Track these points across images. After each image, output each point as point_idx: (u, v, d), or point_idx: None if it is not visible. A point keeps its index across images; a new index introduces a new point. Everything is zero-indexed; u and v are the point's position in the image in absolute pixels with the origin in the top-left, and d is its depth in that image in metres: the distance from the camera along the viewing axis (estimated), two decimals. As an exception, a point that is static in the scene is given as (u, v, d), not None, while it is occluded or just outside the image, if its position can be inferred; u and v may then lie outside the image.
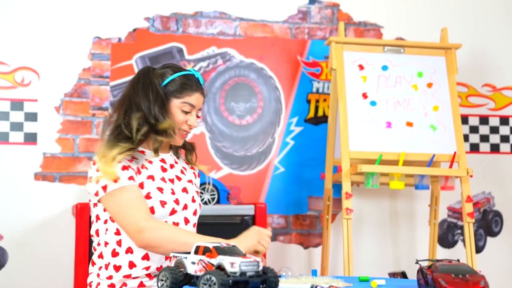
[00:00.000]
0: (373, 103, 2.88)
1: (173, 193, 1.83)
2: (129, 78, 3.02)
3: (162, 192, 1.81)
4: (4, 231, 2.86)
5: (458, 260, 1.45)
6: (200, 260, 1.34)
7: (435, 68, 2.95)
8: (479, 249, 3.27)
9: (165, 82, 1.85)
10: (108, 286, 1.80)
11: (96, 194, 1.78)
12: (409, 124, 2.87)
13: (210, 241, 1.41)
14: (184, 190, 1.87)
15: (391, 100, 2.89)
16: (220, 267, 1.30)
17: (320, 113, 3.20)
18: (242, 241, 1.70)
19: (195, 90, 1.86)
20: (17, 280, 2.85)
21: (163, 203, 1.80)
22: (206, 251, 1.35)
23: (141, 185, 1.79)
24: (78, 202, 2.64)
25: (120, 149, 1.76)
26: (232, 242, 1.56)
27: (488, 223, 3.31)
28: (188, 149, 1.98)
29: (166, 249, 1.69)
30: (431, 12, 3.32)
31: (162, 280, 1.38)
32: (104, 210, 1.82)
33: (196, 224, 1.93)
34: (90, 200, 1.86)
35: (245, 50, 3.15)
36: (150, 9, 3.08)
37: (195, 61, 3.10)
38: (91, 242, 2.54)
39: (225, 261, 1.29)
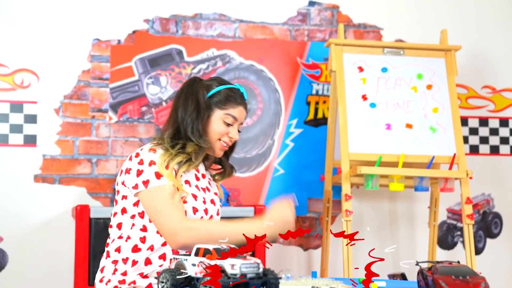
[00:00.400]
0: (372, 105, 2.88)
1: (204, 202, 1.86)
2: (129, 80, 3.04)
3: (196, 199, 1.83)
4: (4, 233, 2.85)
5: (459, 262, 1.45)
6: (201, 262, 1.34)
7: (434, 70, 2.95)
8: (478, 251, 3.27)
9: (210, 93, 1.89)
10: (119, 282, 1.80)
11: (135, 187, 1.78)
12: (409, 126, 2.87)
13: (241, 228, 1.66)
14: (212, 201, 1.91)
15: (391, 102, 2.90)
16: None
17: (319, 115, 3.20)
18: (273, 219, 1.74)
19: (239, 103, 1.90)
20: (17, 282, 2.84)
21: (195, 210, 1.82)
22: (206, 253, 1.35)
23: (178, 189, 1.81)
24: (78, 204, 2.64)
25: (181, 158, 1.80)
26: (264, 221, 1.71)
27: (487, 225, 3.31)
28: (225, 170, 1.98)
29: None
30: (430, 14, 3.33)
31: (162, 282, 1.37)
32: (134, 204, 1.82)
33: None
34: (118, 192, 1.85)
35: (244, 52, 3.15)
36: (149, 11, 3.08)
37: (195, 63, 3.10)
38: (90, 243, 2.55)
39: (225, 263, 1.29)
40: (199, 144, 1.84)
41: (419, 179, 2.80)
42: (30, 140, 2.91)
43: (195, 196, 1.84)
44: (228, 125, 1.89)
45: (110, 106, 3.00)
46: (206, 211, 1.86)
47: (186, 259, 1.38)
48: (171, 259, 1.44)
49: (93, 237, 2.56)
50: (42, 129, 2.92)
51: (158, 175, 1.76)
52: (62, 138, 2.95)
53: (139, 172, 1.77)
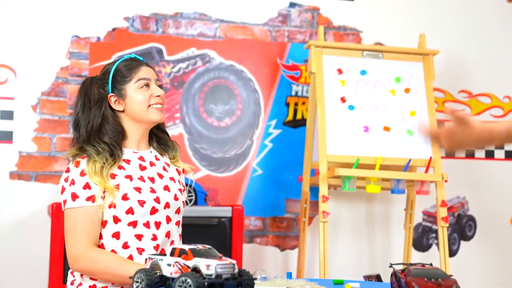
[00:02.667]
0: (351, 107, 2.90)
1: (152, 191, 1.82)
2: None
3: (140, 192, 1.80)
4: (-23, 230, 2.82)
5: (431, 264, 1.47)
6: (176, 262, 1.34)
7: (412, 74, 2.99)
8: (453, 253, 3.31)
9: (109, 82, 1.87)
10: (89, 286, 1.80)
11: (62, 204, 1.82)
12: (386, 128, 2.90)
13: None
14: (166, 188, 1.86)
15: (369, 105, 2.92)
16: (195, 269, 1.30)
17: (298, 116, 3.22)
18: None
19: (139, 65, 1.88)
20: (-10, 280, 2.82)
21: (141, 203, 1.79)
22: (182, 253, 1.35)
23: (117, 187, 1.79)
24: (54, 202, 2.62)
25: (102, 159, 1.79)
26: None
27: (462, 227, 3.35)
28: (169, 146, 1.96)
29: (99, 279, 1.77)
30: (409, 18, 3.36)
31: (137, 282, 1.37)
32: None
33: (181, 223, 1.92)
34: None
35: (224, 52, 3.15)
36: (129, 9, 3.06)
37: (174, 62, 3.09)
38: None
39: (200, 263, 1.29)
40: (106, 141, 1.81)
41: (396, 181, 2.83)
42: (6, 137, 2.88)
43: (138, 189, 1.80)
44: (147, 87, 1.86)
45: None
46: (157, 200, 1.82)
47: (162, 259, 1.38)
48: (146, 259, 1.43)
49: (68, 235, 2.54)
50: (18, 126, 2.89)
51: (74, 196, 1.77)
52: (39, 135, 2.92)
53: (62, 190, 1.81)
